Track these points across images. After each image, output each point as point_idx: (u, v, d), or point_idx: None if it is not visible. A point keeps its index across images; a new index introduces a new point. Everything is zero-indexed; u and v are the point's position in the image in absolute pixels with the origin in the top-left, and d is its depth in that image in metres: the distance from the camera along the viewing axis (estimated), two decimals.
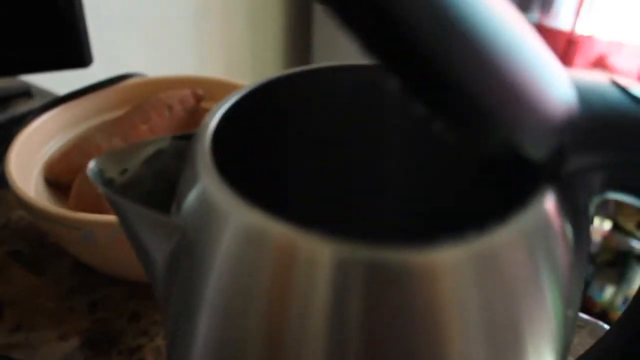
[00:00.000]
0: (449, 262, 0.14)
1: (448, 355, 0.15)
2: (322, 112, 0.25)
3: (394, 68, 0.14)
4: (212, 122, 0.19)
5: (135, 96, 0.60)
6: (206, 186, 0.17)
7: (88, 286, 0.51)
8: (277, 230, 0.15)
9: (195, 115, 0.58)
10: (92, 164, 0.20)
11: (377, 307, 0.15)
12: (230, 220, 0.16)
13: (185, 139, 0.22)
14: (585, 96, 0.17)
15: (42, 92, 0.87)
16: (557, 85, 0.16)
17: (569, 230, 0.18)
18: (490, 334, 0.15)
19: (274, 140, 0.25)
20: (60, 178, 0.50)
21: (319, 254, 0.15)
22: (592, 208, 0.19)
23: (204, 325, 0.18)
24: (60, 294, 0.50)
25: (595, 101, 0.17)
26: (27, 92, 0.87)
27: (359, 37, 0.14)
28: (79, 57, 0.76)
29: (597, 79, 0.18)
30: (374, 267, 0.14)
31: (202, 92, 0.57)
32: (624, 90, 0.18)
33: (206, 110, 0.59)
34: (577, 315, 0.21)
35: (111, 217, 0.39)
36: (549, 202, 0.16)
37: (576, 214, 0.18)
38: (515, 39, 0.15)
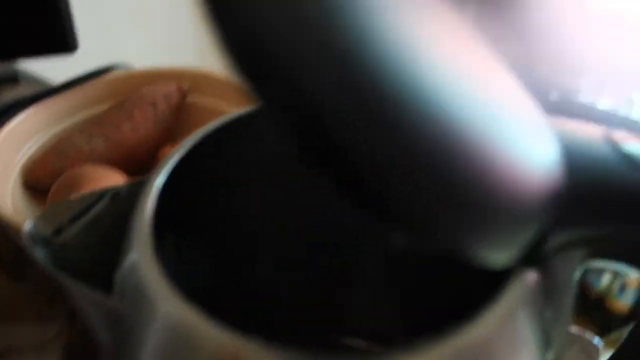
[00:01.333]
0: None
1: None
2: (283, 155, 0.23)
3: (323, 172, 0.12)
4: (158, 180, 0.17)
5: (119, 90, 0.57)
6: (140, 266, 0.15)
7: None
8: (209, 333, 0.13)
9: (180, 112, 0.55)
10: (26, 227, 0.19)
11: None
12: (160, 312, 0.14)
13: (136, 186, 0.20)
14: (574, 160, 0.15)
15: (29, 78, 0.85)
16: (537, 151, 0.14)
17: (549, 304, 0.16)
18: None
19: (230, 190, 0.23)
20: (39, 182, 0.49)
21: None
22: (575, 279, 0.17)
23: None
24: (41, 302, 0.48)
25: (584, 165, 0.15)
26: (14, 78, 0.85)
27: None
28: (63, 42, 0.73)
29: (590, 133, 0.16)
30: None
31: (187, 87, 0.55)
32: (617, 148, 0.15)
33: (192, 106, 0.57)
34: None
35: None
36: (529, 284, 0.14)
37: (558, 287, 0.16)
38: (475, 109, 0.13)
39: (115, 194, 0.20)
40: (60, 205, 0.19)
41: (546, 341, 0.17)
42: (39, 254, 0.18)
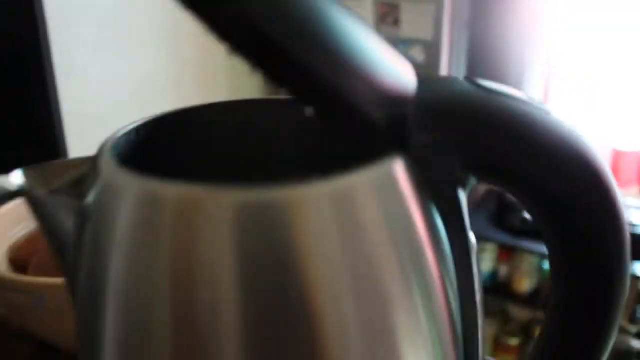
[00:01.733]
0: (314, 195, 0.16)
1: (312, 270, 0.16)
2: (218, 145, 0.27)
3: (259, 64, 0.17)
4: (113, 138, 0.22)
5: None
6: (104, 172, 0.19)
7: None
8: (170, 188, 0.17)
9: None
10: (17, 177, 0.23)
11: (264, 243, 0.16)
12: (125, 192, 0.18)
13: None
14: (429, 85, 0.20)
15: None
16: (397, 74, 0.19)
17: (435, 214, 0.20)
18: (347, 261, 0.17)
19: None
20: (24, 259, 0.52)
21: (210, 203, 0.16)
22: (462, 196, 0.21)
23: (111, 301, 0.19)
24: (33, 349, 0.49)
25: (438, 89, 0.20)
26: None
27: (225, 40, 0.17)
28: (55, 153, 0.81)
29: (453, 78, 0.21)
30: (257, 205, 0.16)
31: None
32: (473, 82, 0.21)
33: None
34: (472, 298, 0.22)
35: (61, 281, 0.40)
36: (397, 165, 0.19)
37: (442, 198, 0.20)
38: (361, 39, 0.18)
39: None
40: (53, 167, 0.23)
41: (438, 246, 0.21)
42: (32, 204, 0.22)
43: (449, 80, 0.21)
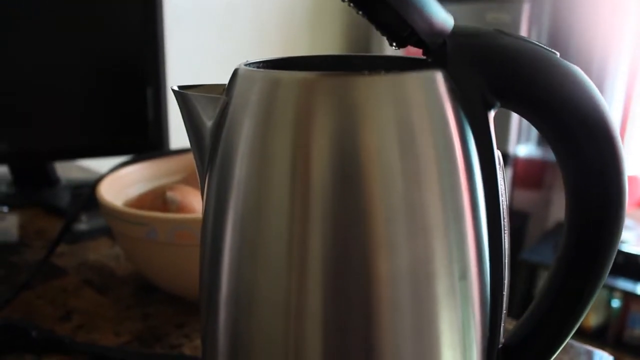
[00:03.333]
0: (381, 80, 0.24)
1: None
2: None
3: None
4: (242, 64, 0.31)
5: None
6: (240, 72, 0.27)
7: (144, 304, 0.59)
8: (287, 75, 0.25)
9: None
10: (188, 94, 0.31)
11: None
12: (256, 80, 0.26)
13: None
14: (463, 27, 0.27)
15: None
16: (441, 15, 0.27)
17: (467, 128, 0.27)
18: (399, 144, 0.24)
19: None
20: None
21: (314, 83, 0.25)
22: (490, 117, 0.28)
23: (240, 168, 0.27)
24: (120, 308, 0.59)
25: (471, 29, 0.27)
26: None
27: None
28: (160, 146, 0.92)
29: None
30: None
31: None
32: (500, 31, 0.28)
33: None
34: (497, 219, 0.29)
35: (171, 215, 0.49)
36: (440, 76, 0.26)
37: (474, 116, 0.27)
38: None
39: None
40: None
41: (467, 155, 0.27)
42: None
43: (479, 27, 0.28)
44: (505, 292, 0.31)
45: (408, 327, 0.25)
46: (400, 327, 0.25)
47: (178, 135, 1.06)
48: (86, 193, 0.59)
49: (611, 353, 1.75)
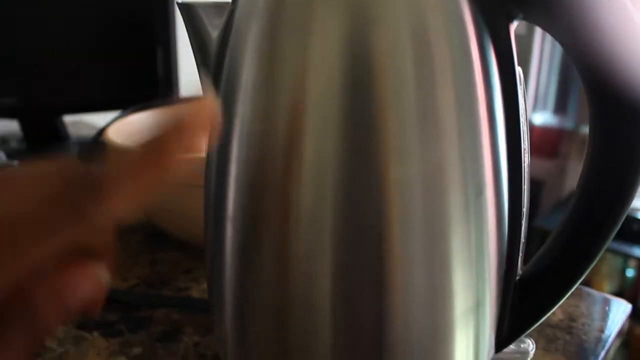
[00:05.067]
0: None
1: None
2: None
3: None
4: None
5: None
6: None
7: (153, 251, 0.59)
8: None
9: None
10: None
11: None
12: None
13: None
14: None
15: None
16: None
17: (487, 39, 0.25)
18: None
19: None
20: None
21: None
22: (512, 29, 0.26)
23: (248, 71, 0.25)
24: (128, 254, 0.58)
25: None
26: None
27: None
28: (168, 90, 0.92)
29: None
30: None
31: None
32: None
33: None
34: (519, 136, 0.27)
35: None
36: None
37: (495, 28, 0.25)
38: None
39: None
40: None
41: (487, 69, 0.26)
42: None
43: None
44: (524, 220, 0.30)
45: (419, 240, 0.24)
46: (410, 239, 0.23)
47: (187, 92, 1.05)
48: (94, 135, 0.58)
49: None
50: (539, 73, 1.77)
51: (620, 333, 0.46)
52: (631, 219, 1.62)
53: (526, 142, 0.29)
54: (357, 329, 0.25)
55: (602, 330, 0.45)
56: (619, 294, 1.76)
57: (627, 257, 1.70)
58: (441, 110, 0.23)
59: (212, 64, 0.28)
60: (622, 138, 0.29)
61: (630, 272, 1.76)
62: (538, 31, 1.68)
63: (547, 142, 2.02)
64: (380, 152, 0.23)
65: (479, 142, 0.25)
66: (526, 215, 0.30)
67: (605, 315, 0.47)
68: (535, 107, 1.88)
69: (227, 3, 0.27)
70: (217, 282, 0.28)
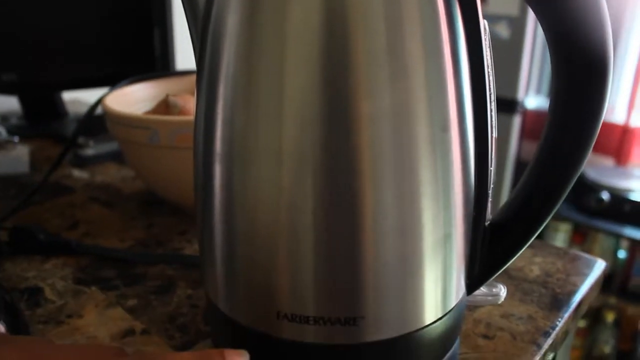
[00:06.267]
0: None
1: None
2: None
3: None
4: None
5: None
6: None
7: (149, 215, 0.61)
8: None
9: None
10: None
11: None
12: None
13: None
14: None
15: None
16: None
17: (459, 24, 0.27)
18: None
19: None
20: None
21: None
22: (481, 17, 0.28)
23: (232, 20, 0.27)
24: (125, 219, 0.60)
25: None
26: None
27: None
28: (165, 64, 0.94)
29: None
30: None
31: None
32: None
33: None
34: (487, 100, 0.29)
35: (172, 117, 0.50)
36: None
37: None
38: None
39: None
40: None
41: (452, 24, 0.28)
42: None
43: None
44: (491, 168, 0.32)
45: (389, 170, 0.26)
46: (381, 169, 0.26)
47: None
48: (90, 108, 0.60)
49: (616, 301, 1.79)
50: (532, 56, 1.78)
51: (594, 288, 0.48)
52: (623, 200, 1.64)
53: (492, 90, 0.31)
54: (335, 256, 0.27)
55: (575, 285, 0.47)
56: (611, 274, 1.79)
57: (619, 237, 1.72)
58: (409, 49, 0.25)
59: (201, 14, 0.30)
60: (583, 91, 0.31)
61: (622, 254, 1.79)
62: (531, 14, 1.69)
63: (540, 126, 2.03)
64: (354, 89, 0.25)
65: (444, 82, 0.27)
66: (493, 168, 0.32)
67: (580, 272, 0.49)
68: (527, 91, 1.90)
69: None
70: (207, 222, 0.30)
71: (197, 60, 0.31)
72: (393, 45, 0.25)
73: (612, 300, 1.78)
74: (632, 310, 1.75)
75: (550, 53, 0.31)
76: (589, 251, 1.78)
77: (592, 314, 1.83)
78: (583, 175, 1.80)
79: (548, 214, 0.34)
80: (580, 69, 0.30)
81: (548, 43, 0.31)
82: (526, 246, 0.34)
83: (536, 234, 0.34)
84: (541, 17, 0.30)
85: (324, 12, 0.25)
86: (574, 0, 0.29)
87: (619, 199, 1.65)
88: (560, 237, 1.81)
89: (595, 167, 1.87)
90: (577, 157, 0.33)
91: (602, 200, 1.66)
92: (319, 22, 0.25)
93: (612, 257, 1.79)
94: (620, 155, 1.85)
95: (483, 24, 0.29)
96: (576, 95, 0.31)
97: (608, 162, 1.92)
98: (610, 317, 1.77)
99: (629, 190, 1.66)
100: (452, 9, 0.27)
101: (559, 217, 1.76)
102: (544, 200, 0.34)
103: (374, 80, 0.25)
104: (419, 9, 0.26)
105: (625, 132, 1.83)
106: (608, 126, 1.88)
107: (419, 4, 0.26)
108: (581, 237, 1.81)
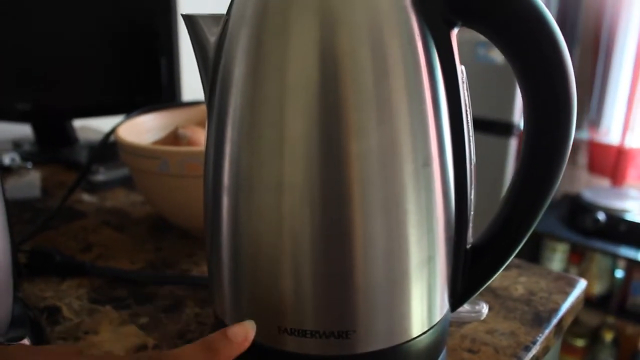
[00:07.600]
0: None
1: None
2: None
3: None
4: None
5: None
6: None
7: (158, 239, 0.65)
8: None
9: None
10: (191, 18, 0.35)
11: None
12: None
13: None
14: None
15: None
16: None
17: (431, 41, 0.31)
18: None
19: None
20: None
21: None
22: (453, 35, 0.32)
23: (239, 69, 0.31)
24: (135, 242, 0.64)
25: None
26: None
27: None
28: (171, 95, 0.98)
29: None
30: None
31: None
32: None
33: None
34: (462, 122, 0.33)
35: (181, 148, 0.54)
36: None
37: (438, 33, 0.31)
38: None
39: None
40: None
41: (432, 70, 0.32)
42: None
43: None
44: (472, 196, 0.36)
45: (377, 202, 0.29)
46: (370, 201, 0.29)
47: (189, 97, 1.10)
48: (103, 138, 0.64)
49: (614, 321, 1.80)
50: None
51: (575, 305, 0.52)
52: (619, 220, 1.67)
53: (470, 128, 0.35)
54: (330, 277, 0.31)
55: (557, 303, 0.50)
56: (609, 294, 1.81)
57: (615, 257, 1.75)
58: (393, 96, 0.29)
59: (211, 64, 0.34)
60: (551, 120, 0.34)
61: (619, 273, 1.81)
62: None
63: None
64: (345, 132, 0.29)
65: (426, 123, 0.30)
66: (472, 196, 0.36)
67: (562, 290, 0.53)
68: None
69: (222, 14, 0.33)
70: (216, 247, 0.34)
71: (207, 103, 0.35)
72: (380, 95, 0.29)
73: (611, 319, 1.80)
74: (630, 329, 1.77)
75: (518, 85, 0.35)
76: (586, 271, 1.81)
77: (590, 333, 1.85)
78: (579, 196, 1.83)
79: (523, 237, 0.37)
80: (546, 102, 0.34)
81: (520, 86, 0.34)
82: (504, 267, 0.38)
83: (513, 256, 0.38)
84: (511, 62, 0.34)
85: (320, 66, 0.29)
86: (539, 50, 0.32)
87: (615, 219, 1.68)
88: (558, 257, 1.83)
89: (591, 188, 1.91)
90: (548, 182, 0.35)
91: (598, 220, 1.68)
92: (314, 75, 0.29)
93: (609, 277, 1.81)
94: (615, 176, 1.89)
95: (460, 69, 0.33)
96: (544, 123, 0.34)
97: (604, 183, 1.95)
98: (609, 336, 1.79)
99: (624, 211, 1.69)
100: (431, 59, 0.31)
101: (556, 238, 1.79)
102: (520, 223, 0.37)
103: (362, 124, 0.29)
104: (402, 62, 0.30)
105: (620, 153, 1.87)
106: (603, 147, 1.92)
107: (402, 57, 0.30)
108: (579, 257, 1.83)
